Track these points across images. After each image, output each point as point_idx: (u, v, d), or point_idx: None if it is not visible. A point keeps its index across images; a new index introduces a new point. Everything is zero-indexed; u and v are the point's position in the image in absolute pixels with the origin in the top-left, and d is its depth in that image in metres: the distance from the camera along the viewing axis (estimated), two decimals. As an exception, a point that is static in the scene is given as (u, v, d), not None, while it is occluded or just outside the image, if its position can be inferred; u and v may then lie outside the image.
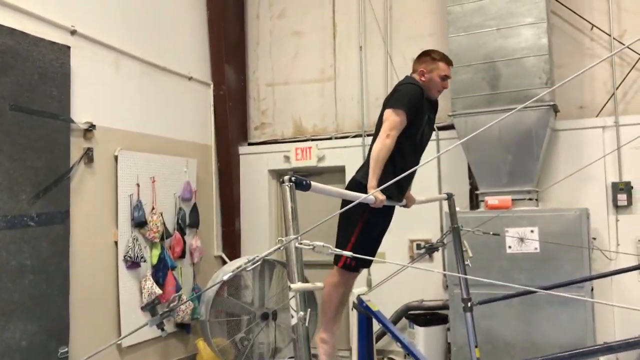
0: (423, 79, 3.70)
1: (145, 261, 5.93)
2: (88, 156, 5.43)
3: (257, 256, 2.17)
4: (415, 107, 3.59)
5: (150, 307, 1.93)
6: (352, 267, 3.69)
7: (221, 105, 7.36)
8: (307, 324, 2.09)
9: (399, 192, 3.68)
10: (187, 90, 6.97)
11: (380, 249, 3.94)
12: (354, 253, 3.42)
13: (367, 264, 3.92)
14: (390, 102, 3.63)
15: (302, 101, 7.42)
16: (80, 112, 5.37)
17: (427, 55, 3.78)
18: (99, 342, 5.34)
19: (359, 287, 4.72)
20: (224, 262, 7.18)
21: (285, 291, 6.19)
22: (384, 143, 3.49)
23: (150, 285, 5.90)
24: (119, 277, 5.72)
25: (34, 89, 4.91)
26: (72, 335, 5.11)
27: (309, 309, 2.10)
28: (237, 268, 2.28)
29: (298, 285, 2.11)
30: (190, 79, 6.98)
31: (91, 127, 5.44)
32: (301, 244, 2.16)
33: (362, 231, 3.61)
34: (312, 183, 2.35)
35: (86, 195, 5.44)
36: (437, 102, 3.93)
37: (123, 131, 5.91)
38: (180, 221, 6.49)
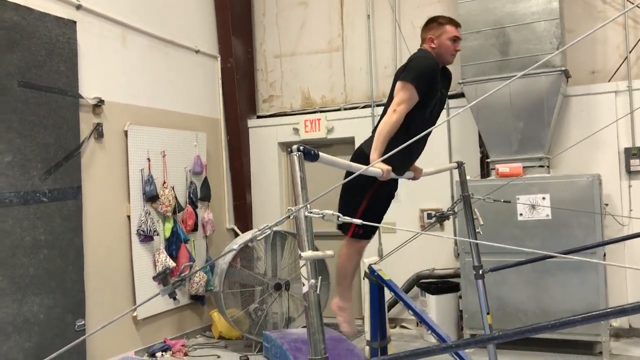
0: (433, 45, 3.63)
1: (158, 234, 5.99)
2: (98, 131, 5.45)
3: (267, 226, 2.17)
4: (428, 82, 3.51)
5: (161, 277, 1.94)
6: (360, 235, 3.70)
7: (229, 78, 7.33)
8: (318, 292, 2.10)
9: (404, 166, 3.65)
10: (195, 64, 6.94)
11: (391, 219, 3.96)
12: (363, 221, 3.43)
13: (375, 232, 3.92)
14: (401, 75, 3.56)
15: (310, 72, 7.36)
16: (89, 88, 5.37)
17: (433, 22, 3.70)
18: (115, 315, 5.38)
19: (370, 257, 4.74)
20: (236, 235, 7.23)
21: (297, 262, 6.23)
22: (390, 118, 3.43)
23: (163, 258, 5.96)
24: (132, 250, 5.79)
25: (42, 65, 4.90)
26: (87, 309, 5.19)
27: (320, 277, 2.11)
28: (249, 238, 2.29)
29: (308, 253, 2.12)
30: (197, 52, 6.94)
31: (100, 102, 5.45)
32: (310, 212, 2.15)
33: (370, 201, 3.61)
34: (321, 154, 2.34)
35: (97, 170, 5.47)
36: (451, 76, 3.87)
37: (132, 106, 5.91)
38: (191, 195, 6.52)
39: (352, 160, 3.58)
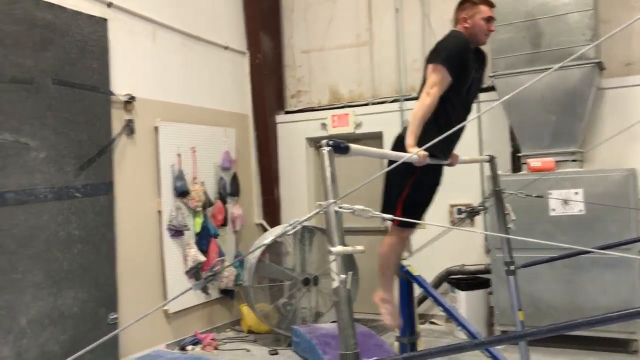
0: (466, 25, 3.56)
1: (188, 229, 6.05)
2: (129, 128, 5.52)
3: (297, 221, 2.17)
4: (459, 61, 3.44)
5: (194, 272, 1.96)
6: (407, 224, 3.65)
7: (257, 74, 7.36)
8: (348, 287, 2.10)
9: (445, 150, 3.58)
10: (224, 60, 6.98)
11: (419, 215, 3.91)
12: (404, 212, 3.39)
13: (416, 220, 3.83)
14: (431, 57, 3.51)
15: (338, 67, 7.34)
16: (120, 85, 5.44)
17: (466, 2, 3.62)
18: (147, 308, 5.49)
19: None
20: (265, 230, 7.26)
21: (325, 257, 6.24)
22: (424, 102, 3.37)
23: (194, 252, 6.02)
24: (163, 245, 5.86)
25: (74, 62, 4.99)
26: (120, 302, 5.28)
27: (351, 272, 2.11)
28: (279, 233, 2.30)
29: (338, 248, 2.11)
30: (226, 48, 6.98)
31: (131, 99, 5.52)
32: (341, 207, 2.15)
33: (411, 190, 3.55)
34: (351, 145, 2.33)
35: (129, 166, 5.55)
36: (485, 56, 3.79)
37: (162, 102, 5.98)
38: (221, 190, 6.58)
39: (391, 148, 3.53)
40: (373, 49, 7.11)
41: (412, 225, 3.73)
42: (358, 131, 7.03)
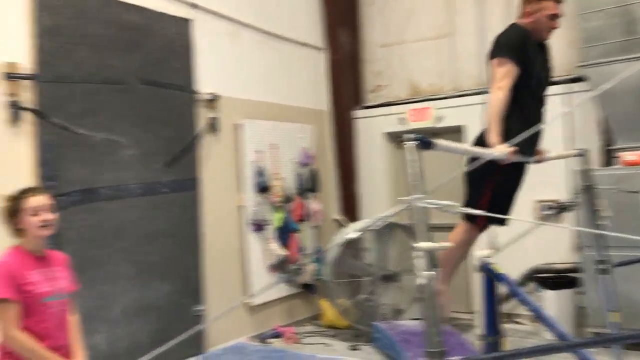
0: (529, 20, 3.47)
1: (269, 224, 6.15)
2: (213, 125, 5.68)
3: (381, 217, 2.14)
4: (520, 51, 3.38)
5: (279, 266, 1.99)
6: (482, 225, 3.57)
7: (335, 70, 7.37)
8: (434, 284, 2.06)
9: (530, 146, 3.46)
10: (302, 56, 7.04)
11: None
12: (487, 211, 3.30)
13: (501, 222, 3.71)
14: (494, 52, 3.45)
15: (417, 60, 7.23)
16: (204, 83, 5.60)
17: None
18: (229, 301, 5.65)
19: (482, 250, 4.59)
20: (343, 225, 7.26)
21: (405, 253, 6.17)
22: (497, 96, 3.30)
23: (274, 247, 6.12)
24: (245, 240, 5.99)
25: (161, 63, 5.18)
26: (205, 295, 5.44)
27: (438, 269, 2.07)
28: (361, 228, 2.28)
29: (424, 244, 2.08)
30: (304, 44, 7.04)
31: (214, 97, 5.66)
32: (426, 203, 2.11)
33: (495, 189, 3.46)
34: (436, 140, 2.29)
35: (212, 162, 5.70)
36: (547, 46, 3.67)
37: (244, 100, 6.11)
38: (300, 186, 6.65)
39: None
40: (454, 40, 6.95)
41: (486, 228, 3.63)
42: (438, 125, 6.89)
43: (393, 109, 7.26)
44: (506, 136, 3.14)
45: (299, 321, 6.61)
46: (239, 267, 5.96)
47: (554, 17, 3.46)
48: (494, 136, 3.24)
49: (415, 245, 2.07)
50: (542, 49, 3.60)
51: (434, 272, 2.10)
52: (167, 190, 5.16)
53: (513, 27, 3.51)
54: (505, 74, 3.31)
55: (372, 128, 7.40)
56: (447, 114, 6.86)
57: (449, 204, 2.10)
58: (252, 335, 6.01)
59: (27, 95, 4.28)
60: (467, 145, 2.92)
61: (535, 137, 3.51)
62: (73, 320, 2.86)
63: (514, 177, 3.58)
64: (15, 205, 2.67)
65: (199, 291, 5.40)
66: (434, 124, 6.90)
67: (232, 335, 5.73)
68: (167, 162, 5.17)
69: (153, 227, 5.02)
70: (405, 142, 2.19)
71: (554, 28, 3.50)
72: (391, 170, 7.34)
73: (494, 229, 6.34)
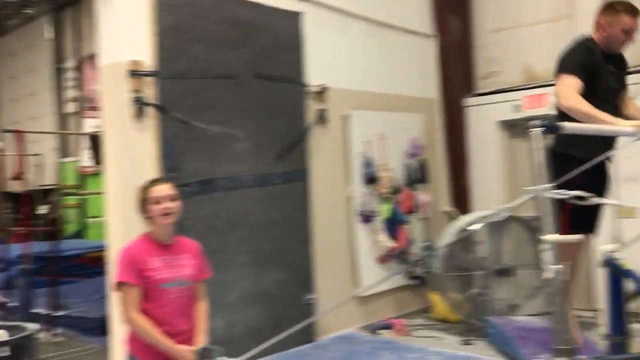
0: (603, 33, 3.32)
1: (377, 215, 6.13)
2: (322, 117, 5.73)
3: (501, 208, 2.05)
4: (584, 67, 3.36)
5: (398, 257, 1.97)
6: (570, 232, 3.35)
7: (445, 57, 7.19)
8: (564, 278, 1.94)
9: (604, 147, 3.27)
10: (411, 45, 6.93)
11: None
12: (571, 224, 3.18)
13: (588, 229, 3.49)
14: (559, 69, 3.53)
15: (533, 44, 6.88)
16: (313, 76, 5.66)
17: (609, 7, 3.38)
18: (339, 291, 5.69)
19: (607, 244, 4.30)
20: (454, 218, 7.09)
21: (521, 247, 5.92)
22: (571, 107, 3.24)
23: (383, 239, 6.09)
24: (354, 230, 6.01)
25: (272, 57, 5.28)
26: (316, 284, 5.52)
27: (568, 262, 1.95)
28: (480, 220, 2.20)
29: (552, 237, 1.97)
30: (413, 32, 6.92)
31: (323, 89, 5.71)
32: (555, 193, 1.99)
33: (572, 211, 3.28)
34: (564, 124, 2.15)
35: (321, 154, 5.76)
36: (621, 56, 3.48)
37: (352, 91, 6.11)
38: (409, 177, 6.57)
39: (550, 163, 3.28)
40: (574, 22, 6.53)
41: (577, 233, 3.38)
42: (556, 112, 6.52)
43: (507, 96, 6.97)
44: (579, 142, 3.10)
45: (408, 313, 6.54)
46: (347, 257, 5.98)
47: (630, 31, 3.30)
48: (608, 118, 3.10)
49: (543, 237, 1.96)
50: (614, 59, 3.45)
51: (562, 266, 1.98)
52: (278, 182, 5.28)
53: (575, 45, 3.47)
54: (568, 92, 3.28)
55: (484, 116, 7.14)
56: (565, 100, 6.47)
57: (580, 194, 1.97)
58: (361, 325, 6.02)
59: (149, 91, 4.53)
60: (596, 125, 2.76)
61: (609, 142, 3.35)
62: (201, 307, 2.93)
63: (593, 183, 3.32)
64: (143, 194, 2.82)
65: (310, 280, 5.49)
66: (551, 111, 6.53)
67: (341, 325, 5.77)
68: (279, 154, 5.28)
69: (266, 217, 5.16)
70: (530, 129, 2.07)
71: (628, 41, 3.35)
72: (505, 160, 7.06)
73: (618, 222, 5.95)
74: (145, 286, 2.72)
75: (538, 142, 2.06)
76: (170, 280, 2.76)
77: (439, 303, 6.31)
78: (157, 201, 2.78)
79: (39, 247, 7.27)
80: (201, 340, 2.87)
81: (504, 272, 5.76)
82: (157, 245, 2.81)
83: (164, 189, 2.83)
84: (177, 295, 2.77)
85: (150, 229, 2.85)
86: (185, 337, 2.78)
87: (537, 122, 2.08)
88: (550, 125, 2.08)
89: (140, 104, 4.43)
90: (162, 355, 2.69)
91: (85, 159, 10.46)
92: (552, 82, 6.54)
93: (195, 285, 2.87)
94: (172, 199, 2.82)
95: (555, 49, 6.60)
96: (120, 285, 2.71)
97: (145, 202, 2.81)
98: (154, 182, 2.92)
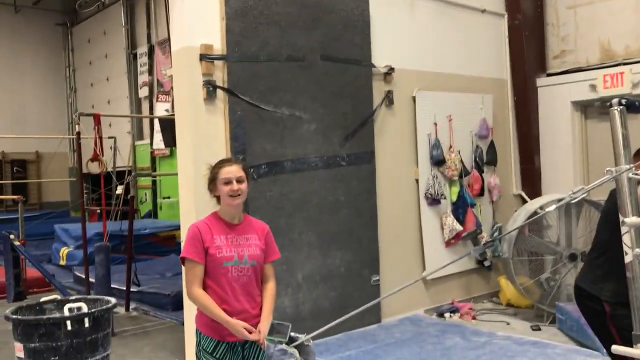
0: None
1: (445, 198, 6.06)
2: (388, 98, 5.69)
3: (581, 188, 1.99)
4: None
5: (471, 237, 1.94)
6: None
7: (516, 36, 6.96)
8: (645, 263, 1.87)
9: None
10: (480, 24, 6.74)
11: None
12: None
13: None
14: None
15: (610, 21, 6.56)
16: (380, 57, 5.62)
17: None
18: (405, 272, 5.68)
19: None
20: (524, 201, 6.91)
21: (594, 232, 5.70)
22: None
23: (450, 221, 6.02)
24: (420, 213, 5.97)
25: (339, 38, 5.28)
26: (381, 265, 5.53)
27: (649, 247, 1.87)
28: (551, 202, 2.14)
29: (633, 219, 1.90)
30: (483, 11, 6.73)
31: (390, 71, 5.67)
32: (636, 174, 1.92)
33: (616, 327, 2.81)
34: (649, 103, 2.06)
35: (388, 135, 5.73)
36: None
37: (419, 72, 6.03)
38: (477, 159, 6.44)
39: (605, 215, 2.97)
40: (656, -5, 6.19)
41: None
42: (636, 91, 6.22)
43: (581, 75, 6.69)
44: None
45: (475, 297, 6.46)
46: (414, 239, 5.96)
47: None
48: None
49: (623, 220, 1.89)
50: None
51: (643, 250, 1.91)
52: (345, 164, 5.29)
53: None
54: None
55: (556, 96, 6.89)
56: (646, 79, 6.17)
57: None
58: (427, 308, 6.00)
59: (219, 74, 4.63)
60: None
61: None
62: (269, 287, 2.94)
63: None
64: (213, 174, 2.87)
65: (376, 262, 5.50)
66: (631, 90, 6.24)
67: (407, 306, 5.76)
68: (347, 135, 5.29)
69: (333, 198, 5.20)
70: (611, 107, 1.99)
71: None
72: (578, 142, 6.80)
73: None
74: (209, 263, 2.78)
75: (617, 120, 1.99)
76: (232, 259, 2.79)
77: (507, 288, 6.20)
78: (226, 182, 2.81)
79: (114, 226, 7.60)
80: (265, 320, 2.86)
81: (576, 257, 5.58)
82: (224, 224, 2.85)
83: (234, 170, 2.84)
84: (239, 274, 2.80)
85: (219, 208, 2.90)
86: (246, 317, 2.76)
87: (617, 100, 2.00)
88: (630, 103, 2.00)
89: (210, 87, 4.54)
90: (224, 331, 2.75)
91: (157, 141, 10.82)
92: (632, 60, 6.30)
93: (260, 266, 2.89)
94: (240, 180, 2.84)
95: (635, 25, 6.34)
96: (184, 260, 2.79)
97: (214, 182, 2.86)
98: (224, 162, 2.93)
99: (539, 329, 5.44)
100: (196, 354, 2.84)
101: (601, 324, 2.86)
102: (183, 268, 2.86)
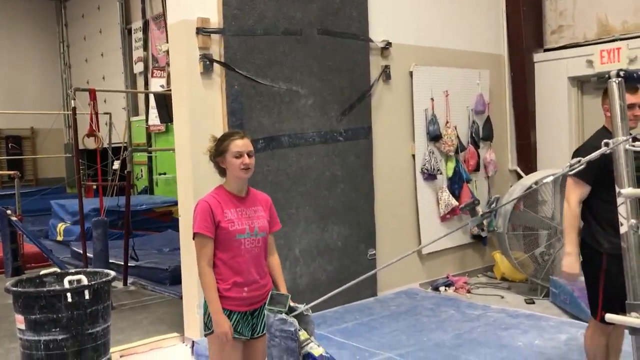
0: (608, 114, 3.11)
1: (441, 173, 6.09)
2: (386, 73, 5.68)
3: (579, 159, 2.01)
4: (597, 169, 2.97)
5: (469, 208, 1.97)
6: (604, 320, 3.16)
7: (514, 11, 6.92)
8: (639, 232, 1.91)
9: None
10: (478, -1, 6.72)
11: None
12: (604, 306, 3.11)
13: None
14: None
15: (609, -4, 6.54)
16: (377, 31, 5.59)
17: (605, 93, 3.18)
18: (401, 247, 5.72)
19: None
20: (519, 177, 6.95)
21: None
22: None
23: (446, 196, 6.06)
24: (416, 188, 6.00)
25: (336, 12, 5.24)
26: (378, 239, 5.58)
27: (643, 217, 1.91)
28: (546, 177, 2.16)
29: (629, 190, 1.92)
30: (480, -15, 6.69)
31: (387, 45, 5.64)
32: (633, 145, 1.94)
33: (606, 280, 3.15)
34: (647, 76, 2.07)
35: (385, 111, 5.73)
36: None
37: (417, 47, 6.01)
38: (473, 134, 6.46)
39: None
40: (655, -30, 6.16)
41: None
42: (633, 67, 6.22)
43: (579, 50, 6.68)
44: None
45: (470, 272, 6.54)
46: (410, 214, 6.00)
47: (632, 106, 3.05)
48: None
49: (619, 191, 1.92)
50: None
51: (638, 220, 1.94)
52: (342, 139, 5.30)
53: (588, 142, 3.37)
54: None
55: (554, 72, 6.89)
56: (643, 55, 6.17)
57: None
58: (422, 282, 6.07)
59: (216, 48, 4.60)
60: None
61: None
62: (274, 259, 3.01)
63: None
64: (223, 146, 2.87)
65: (373, 236, 5.54)
66: (627, 66, 6.24)
67: (403, 280, 5.83)
68: (344, 110, 5.29)
69: (330, 173, 5.21)
70: (610, 79, 2.01)
71: (635, 116, 3.11)
72: (574, 117, 6.82)
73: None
74: (222, 237, 2.81)
75: (616, 93, 2.00)
76: (245, 231, 2.83)
77: (502, 262, 6.27)
78: (238, 155, 2.81)
79: (111, 202, 7.62)
80: (284, 288, 2.97)
81: (571, 232, 5.63)
82: (232, 197, 2.87)
83: (245, 144, 2.84)
84: (251, 246, 2.84)
85: (225, 181, 2.92)
86: (256, 287, 2.85)
87: (615, 71, 2.01)
88: (628, 75, 2.01)
89: (207, 61, 4.52)
90: (235, 302, 2.79)
91: (153, 117, 10.78)
92: (629, 36, 6.29)
93: (267, 237, 2.94)
94: (250, 154, 2.85)
95: (632, 0, 6.31)
96: (195, 235, 2.82)
97: (223, 154, 2.86)
98: (235, 135, 2.90)
99: (533, 302, 5.53)
100: (205, 323, 2.90)
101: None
102: (193, 243, 2.88)
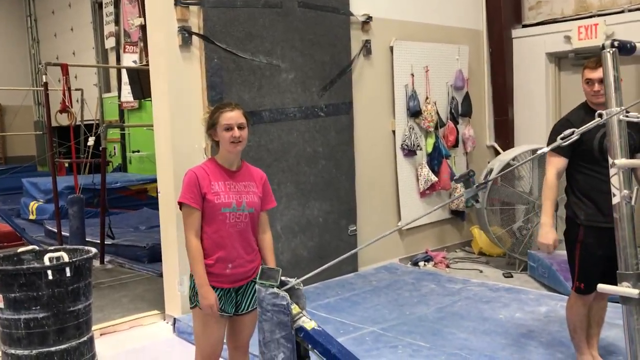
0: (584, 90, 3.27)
1: (420, 149, 6.10)
2: (366, 48, 5.63)
3: (574, 131, 2.00)
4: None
5: (463, 180, 1.94)
6: (582, 290, 3.26)
7: (493, -14, 6.92)
8: (633, 203, 1.92)
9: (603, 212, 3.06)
10: (457, -27, 6.67)
11: None
12: (579, 276, 3.24)
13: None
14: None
15: (586, -28, 6.56)
16: (358, 5, 5.52)
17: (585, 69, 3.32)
18: (381, 222, 5.75)
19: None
20: (497, 152, 7.01)
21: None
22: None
23: (426, 172, 6.08)
24: (397, 164, 6.00)
25: (317, -15, 5.15)
26: (358, 215, 5.58)
27: (636, 187, 1.92)
28: (524, 153, 2.16)
29: (622, 161, 1.93)
30: (460, -40, 6.65)
31: (368, 19, 5.59)
32: (626, 116, 1.94)
33: (581, 251, 3.26)
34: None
35: (365, 86, 5.69)
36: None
37: (397, 21, 5.96)
38: (453, 110, 6.47)
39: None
40: (633, -55, 6.19)
41: (591, 292, 3.24)
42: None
43: (557, 26, 6.71)
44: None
45: (449, 247, 6.60)
46: (390, 190, 6.01)
47: (589, 81, 3.21)
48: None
49: (613, 161, 1.92)
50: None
51: (633, 190, 1.95)
52: (323, 114, 5.26)
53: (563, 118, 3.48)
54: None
55: (532, 48, 6.91)
56: (620, 31, 6.20)
57: (653, 117, 1.92)
58: (402, 257, 6.11)
59: (194, 20, 4.49)
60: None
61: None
62: (266, 238, 2.96)
63: (605, 241, 2.97)
64: (213, 119, 2.80)
65: (354, 212, 5.54)
66: (604, 42, 6.27)
67: (383, 255, 5.85)
68: (325, 85, 5.24)
69: (311, 149, 5.17)
70: (604, 49, 2.00)
71: (594, 92, 3.19)
72: (552, 93, 6.87)
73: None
74: (207, 209, 2.75)
75: (609, 63, 2.00)
76: (231, 205, 2.76)
77: (480, 237, 6.34)
78: (227, 128, 2.74)
79: (85, 179, 7.47)
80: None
81: (549, 207, 5.71)
82: (222, 171, 2.80)
83: (235, 116, 2.75)
84: (236, 220, 2.78)
85: (217, 154, 2.85)
86: (241, 262, 2.79)
87: (609, 42, 2.00)
88: (622, 45, 2.01)
89: (186, 33, 4.41)
90: (220, 278, 2.76)
91: (126, 94, 10.55)
92: (606, 12, 6.32)
93: (257, 214, 2.87)
94: (241, 126, 2.77)
95: (613, -25, 6.34)
96: (181, 205, 2.76)
97: (214, 127, 2.79)
98: (225, 106, 2.82)
99: (511, 276, 5.61)
100: (190, 297, 2.86)
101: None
102: (174, 219, 2.82)
